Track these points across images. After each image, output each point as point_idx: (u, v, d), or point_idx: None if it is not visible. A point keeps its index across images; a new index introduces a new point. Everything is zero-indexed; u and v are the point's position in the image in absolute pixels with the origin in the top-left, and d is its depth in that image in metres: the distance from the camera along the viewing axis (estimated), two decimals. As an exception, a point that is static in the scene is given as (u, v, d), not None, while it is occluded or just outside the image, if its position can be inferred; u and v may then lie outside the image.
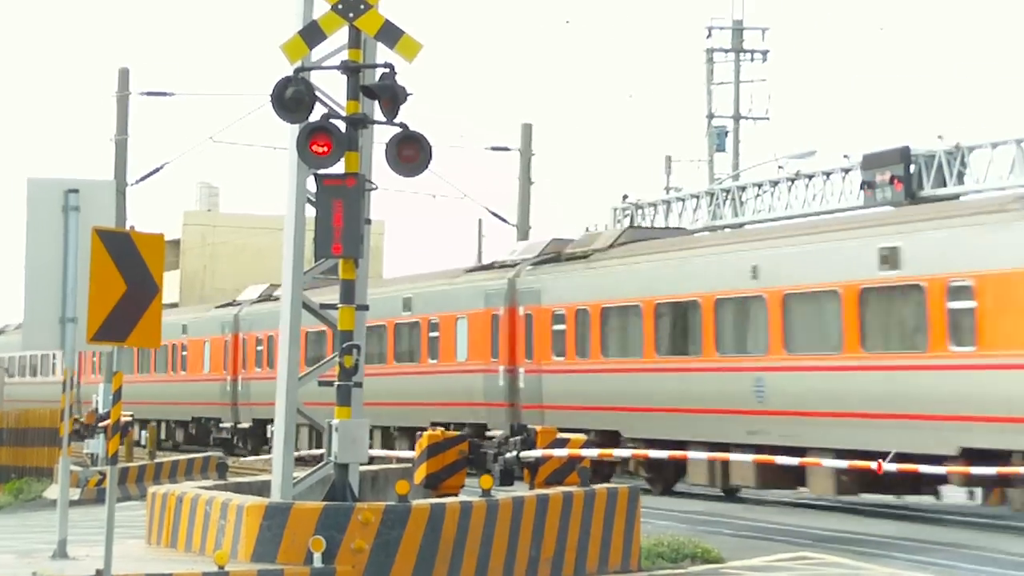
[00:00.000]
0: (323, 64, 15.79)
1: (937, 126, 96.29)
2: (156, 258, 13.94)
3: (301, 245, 16.17)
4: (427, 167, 15.28)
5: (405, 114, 15.08)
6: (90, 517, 20.51)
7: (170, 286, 62.74)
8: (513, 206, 45.84)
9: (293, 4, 16.16)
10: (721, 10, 75.05)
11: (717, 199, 46.84)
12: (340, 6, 15.13)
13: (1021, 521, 23.21)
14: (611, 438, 28.94)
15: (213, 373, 48.93)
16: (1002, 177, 36.14)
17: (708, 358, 27.55)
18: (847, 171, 41.27)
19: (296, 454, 16.72)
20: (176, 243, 72.99)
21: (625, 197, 50.98)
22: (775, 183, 44.55)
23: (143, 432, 42.91)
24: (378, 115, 15.42)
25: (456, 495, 17.05)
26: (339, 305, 15.44)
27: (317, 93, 15.36)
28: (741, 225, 43.11)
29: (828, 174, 42.12)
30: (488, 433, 31.25)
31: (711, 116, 59.09)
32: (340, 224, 14.84)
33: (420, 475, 17.75)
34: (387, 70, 15.09)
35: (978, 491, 25.95)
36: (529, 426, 18.50)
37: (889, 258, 23.74)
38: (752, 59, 59.37)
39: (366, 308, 15.78)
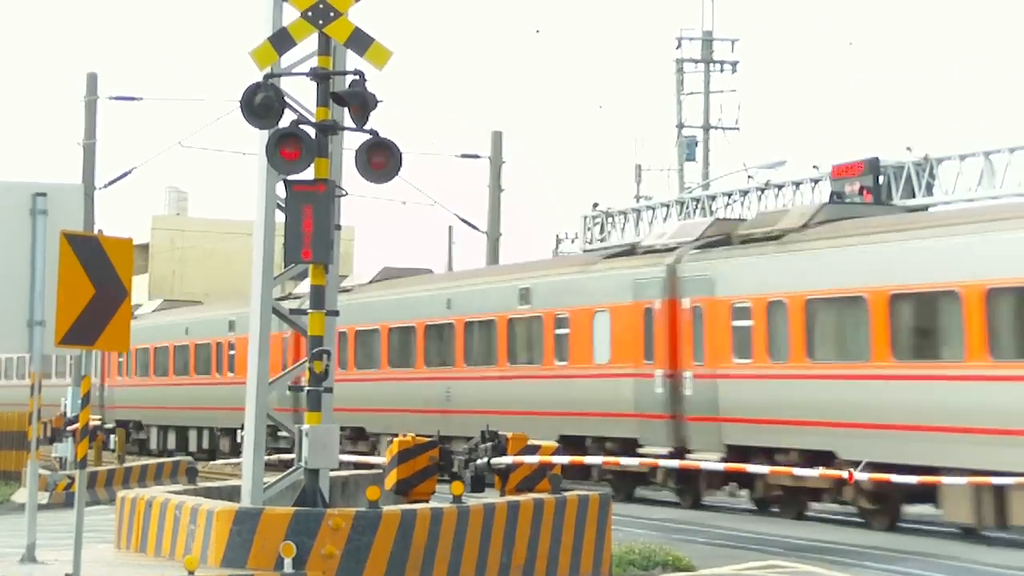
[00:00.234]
0: (293, 70, 15.76)
1: (906, 138, 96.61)
2: (125, 262, 13.90)
3: (271, 250, 16.14)
4: (397, 174, 15.26)
5: (375, 121, 15.08)
6: (59, 521, 20.39)
7: (139, 290, 62.59)
8: (483, 213, 45.88)
9: (262, 10, 16.12)
10: (691, 21, 75.35)
11: (687, 208, 46.99)
12: (310, 13, 15.11)
13: (991, 531, 23.28)
14: (820, 460, 23.63)
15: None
16: (971, 189, 36.43)
17: (973, 362, 21.98)
18: (816, 181, 41.50)
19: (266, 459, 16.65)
20: (145, 247, 72.76)
21: (595, 205, 51.17)
22: (745, 192, 44.79)
23: (112, 436, 42.61)
24: (348, 122, 15.41)
25: (427, 501, 17.01)
26: (309, 310, 15.42)
27: (286, 99, 15.33)
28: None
29: (798, 184, 42.39)
30: (641, 450, 27.74)
31: (681, 126, 59.34)
32: (310, 230, 14.83)
33: (391, 481, 17.70)
34: (357, 77, 15.08)
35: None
36: (500, 432, 18.47)
37: None
38: (722, 70, 59.66)
39: (336, 314, 15.75)
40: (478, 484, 18.26)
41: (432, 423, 30.76)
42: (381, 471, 18.86)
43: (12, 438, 32.68)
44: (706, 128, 59.04)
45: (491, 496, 17.04)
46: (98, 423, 34.88)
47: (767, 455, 25.20)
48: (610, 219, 50.16)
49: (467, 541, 14.88)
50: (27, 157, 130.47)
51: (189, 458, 37.30)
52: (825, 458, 23.75)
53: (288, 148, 14.83)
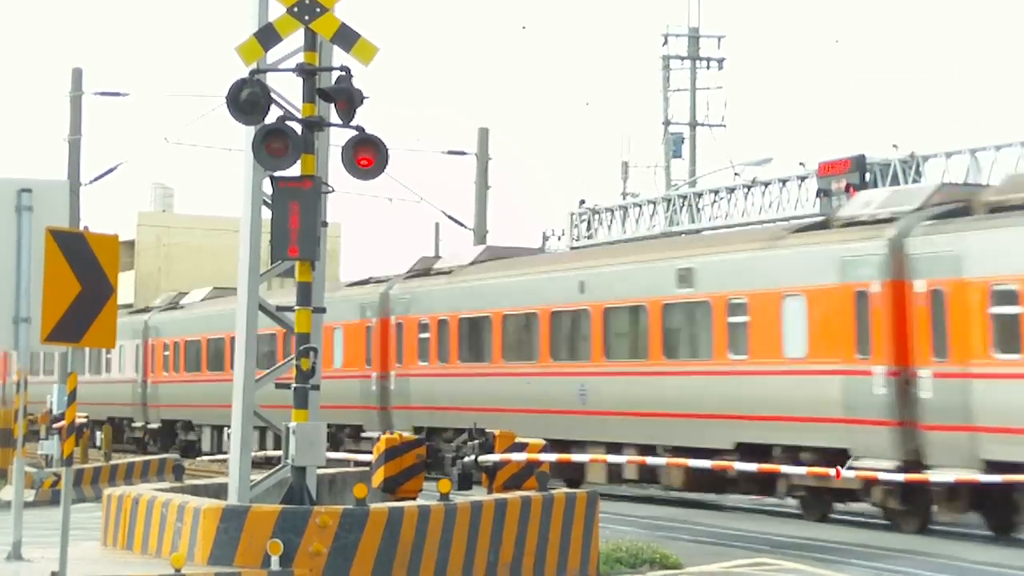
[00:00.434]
0: (279, 66, 15.72)
1: (892, 135, 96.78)
2: (110, 259, 13.85)
3: (257, 247, 16.10)
4: (383, 170, 15.22)
5: (361, 117, 15.04)
6: (45, 519, 20.32)
7: (124, 287, 62.46)
8: (470, 210, 45.85)
9: (248, 6, 16.07)
10: (677, 18, 75.18)
11: (674, 205, 46.97)
12: (296, 9, 15.06)
13: (976, 529, 23.31)
14: None
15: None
16: (957, 185, 36.43)
17: None
18: (803, 179, 41.52)
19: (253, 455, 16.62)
20: (130, 244, 72.58)
21: (582, 202, 51.08)
22: (731, 190, 44.76)
23: (98, 433, 42.46)
24: (334, 118, 15.37)
25: (414, 499, 17.00)
26: (295, 307, 15.38)
27: (272, 95, 15.27)
28: (699, 231, 43.25)
29: (784, 181, 42.37)
30: (853, 463, 23.12)
31: (667, 123, 59.30)
32: (296, 226, 14.79)
33: (378, 479, 17.68)
34: (343, 73, 15.04)
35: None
36: (487, 430, 18.45)
37: None
38: (708, 67, 59.60)
39: (323, 311, 15.72)
40: (466, 482, 18.26)
41: (560, 426, 29.34)
42: (368, 469, 18.83)
43: (-1, 435, 32.55)
44: (692, 125, 59.02)
45: (479, 494, 17.02)
46: (84, 420, 34.69)
47: None
48: (597, 216, 50.12)
49: (454, 539, 14.86)
50: (12, 153, 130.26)
51: (176, 455, 37.23)
52: None
53: (274, 144, 14.79)
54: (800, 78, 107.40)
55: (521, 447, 17.99)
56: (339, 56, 15.46)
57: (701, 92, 59.32)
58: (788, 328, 25.27)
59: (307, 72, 15.27)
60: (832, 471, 20.74)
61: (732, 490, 27.24)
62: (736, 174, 46.20)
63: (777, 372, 25.50)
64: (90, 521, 19.05)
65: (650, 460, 23.78)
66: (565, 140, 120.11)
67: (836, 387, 24.13)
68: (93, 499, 26.65)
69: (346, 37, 15.08)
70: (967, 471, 21.60)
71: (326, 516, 14.01)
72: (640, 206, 49.36)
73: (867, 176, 38.49)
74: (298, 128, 15.08)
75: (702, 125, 59.12)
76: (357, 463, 23.84)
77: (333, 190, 16.07)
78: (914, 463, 22.78)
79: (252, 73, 15.04)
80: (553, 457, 19.12)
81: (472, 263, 35.62)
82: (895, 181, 37.83)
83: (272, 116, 15.13)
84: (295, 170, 15.07)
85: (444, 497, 15.24)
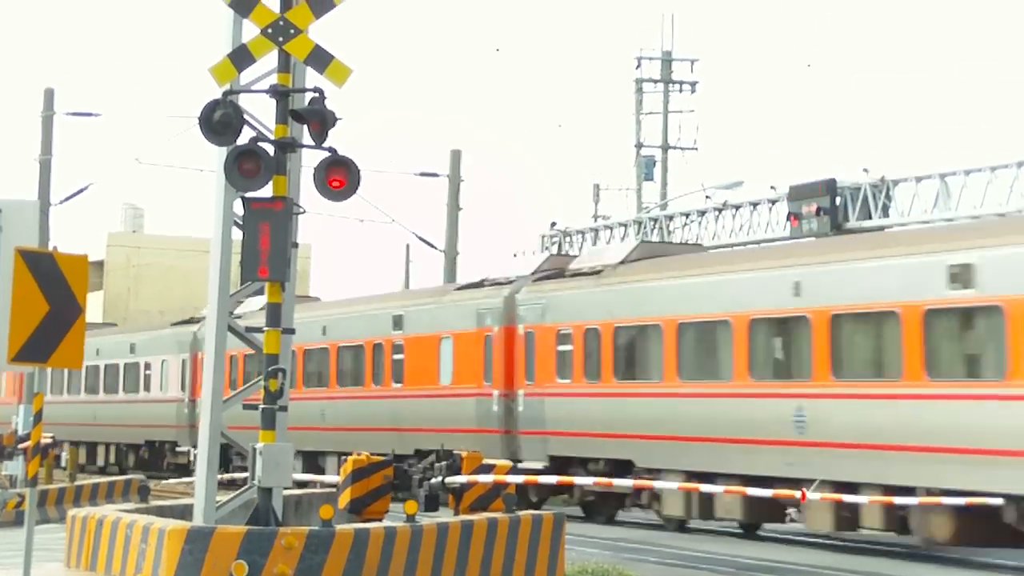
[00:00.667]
0: (252, 87, 15.74)
1: (863, 159, 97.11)
2: (79, 279, 13.86)
3: (227, 268, 16.11)
4: (355, 192, 15.23)
5: (334, 139, 15.08)
6: (8, 540, 20.23)
7: (93, 307, 62.26)
8: (441, 232, 45.88)
9: (222, 27, 16.11)
10: (650, 41, 75.38)
11: (645, 227, 47.14)
12: (270, 30, 15.09)
13: (938, 551, 23.38)
14: None
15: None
16: (926, 211, 36.68)
17: None
18: (774, 202, 41.72)
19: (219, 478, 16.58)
20: (100, 264, 72.46)
21: (553, 224, 51.22)
22: (703, 213, 44.96)
23: (63, 454, 42.18)
24: (307, 139, 15.39)
25: (380, 520, 16.98)
26: (265, 328, 15.37)
27: (245, 116, 15.29)
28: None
29: (755, 204, 42.58)
30: None
31: (640, 145, 59.50)
32: (267, 247, 14.77)
33: (344, 500, 17.66)
34: (316, 94, 15.07)
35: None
36: (455, 451, 18.46)
37: None
38: (681, 90, 59.86)
39: (292, 332, 15.71)
40: (432, 503, 18.26)
41: (773, 458, 24.23)
42: (335, 490, 18.81)
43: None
44: (664, 148, 59.24)
45: (445, 515, 17.02)
46: (49, 441, 34.53)
47: None
48: (568, 238, 50.24)
49: (420, 560, 14.86)
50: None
51: (141, 476, 36.99)
52: None
53: (246, 165, 14.78)
54: (772, 102, 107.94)
55: (488, 469, 18.00)
56: (312, 77, 15.49)
57: (673, 115, 59.62)
58: None
59: (280, 93, 15.28)
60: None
61: None
62: (707, 197, 46.45)
63: None
64: (54, 542, 18.97)
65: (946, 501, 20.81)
66: (537, 162, 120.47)
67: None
68: (57, 520, 26.51)
69: (320, 59, 15.11)
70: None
71: (292, 537, 14.00)
72: (612, 228, 49.52)
73: (837, 200, 38.71)
74: (270, 149, 15.08)
75: (674, 148, 59.36)
76: (323, 484, 23.79)
77: (304, 211, 16.08)
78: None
79: (225, 94, 15.05)
80: (520, 479, 19.12)
81: (623, 261, 29.77)
82: (865, 205, 38.08)
83: (245, 137, 15.13)
84: (267, 191, 15.07)
85: (410, 518, 15.24)
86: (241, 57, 15.23)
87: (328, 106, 14.97)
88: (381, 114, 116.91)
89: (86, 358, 14.43)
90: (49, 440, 34.36)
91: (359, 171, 15.13)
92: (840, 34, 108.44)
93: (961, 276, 21.57)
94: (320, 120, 14.91)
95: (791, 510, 25.94)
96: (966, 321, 21.87)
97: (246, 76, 15.61)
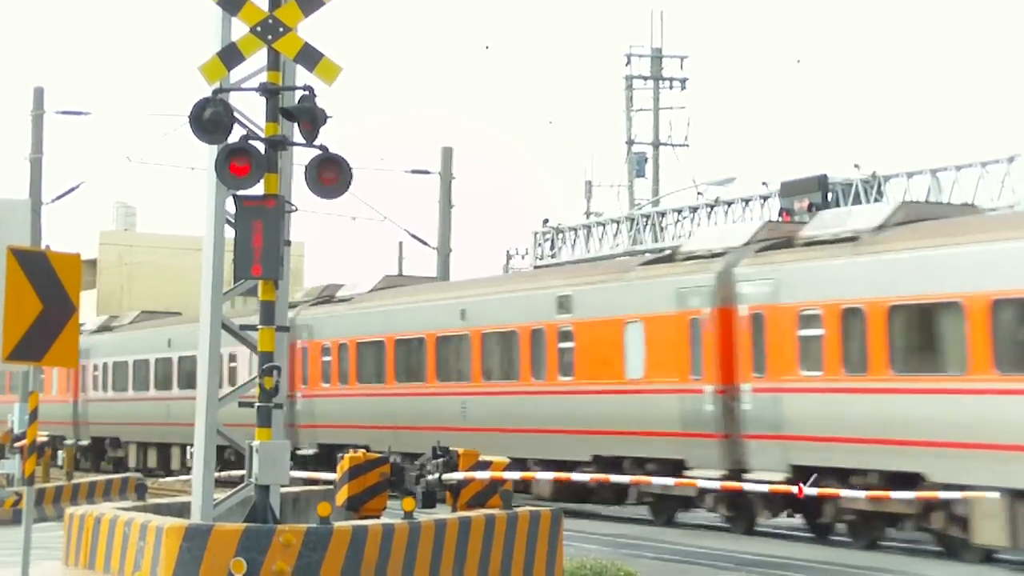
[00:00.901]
0: (242, 85, 15.72)
1: (854, 155, 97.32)
2: (72, 278, 13.86)
3: (220, 266, 16.09)
4: (347, 189, 15.23)
5: (325, 136, 15.07)
6: (6, 538, 20.23)
7: (87, 306, 62.22)
8: (433, 229, 45.88)
9: (212, 25, 16.09)
10: (641, 38, 75.41)
11: (637, 224, 47.14)
12: (259, 28, 15.08)
13: (939, 545, 23.39)
14: None
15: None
16: (918, 205, 36.67)
17: None
18: (766, 198, 41.74)
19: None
20: (93, 263, 72.39)
21: (546, 221, 51.24)
22: (694, 209, 44.97)
23: (59, 452, 42.14)
24: (298, 137, 15.38)
25: (378, 517, 16.98)
26: (259, 326, 15.36)
27: (236, 114, 15.27)
28: (662, 250, 43.45)
29: (747, 201, 42.59)
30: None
31: (631, 142, 59.51)
32: (260, 245, 14.77)
33: (342, 497, 17.67)
34: (306, 92, 15.06)
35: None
36: (451, 448, 18.45)
37: None
38: (671, 86, 59.89)
39: (286, 329, 15.70)
40: (429, 500, 18.26)
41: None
42: (332, 487, 18.81)
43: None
44: (656, 145, 59.27)
45: (442, 512, 17.02)
46: (45, 439, 34.52)
47: None
48: (560, 235, 50.24)
49: (418, 557, 14.86)
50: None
51: (138, 474, 36.98)
52: None
53: (238, 163, 14.77)
54: (763, 98, 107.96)
55: (485, 465, 18.01)
56: (303, 75, 15.48)
57: (664, 112, 59.65)
58: None
59: (270, 91, 15.28)
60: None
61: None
62: (699, 193, 46.48)
63: None
64: (52, 540, 18.97)
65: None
66: (529, 159, 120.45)
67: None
68: (55, 518, 26.52)
69: (309, 57, 15.10)
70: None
71: (290, 535, 13.99)
72: (604, 225, 49.51)
73: (829, 195, 38.75)
74: (261, 147, 15.07)
75: (665, 145, 59.39)
76: (325, 482, 23.80)
77: (296, 209, 16.08)
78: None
79: (215, 92, 15.04)
80: (516, 475, 19.13)
81: (883, 226, 24.11)
82: (857, 200, 38.09)
83: (235, 135, 15.13)
84: (258, 189, 15.07)
85: (408, 515, 15.24)
86: (230, 55, 15.22)
87: (318, 104, 14.98)
88: (371, 112, 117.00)
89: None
90: (45, 438, 34.33)
91: (351, 168, 15.13)
92: (830, 29, 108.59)
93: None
94: (311, 118, 14.91)
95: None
96: None
97: (236, 74, 15.60)
